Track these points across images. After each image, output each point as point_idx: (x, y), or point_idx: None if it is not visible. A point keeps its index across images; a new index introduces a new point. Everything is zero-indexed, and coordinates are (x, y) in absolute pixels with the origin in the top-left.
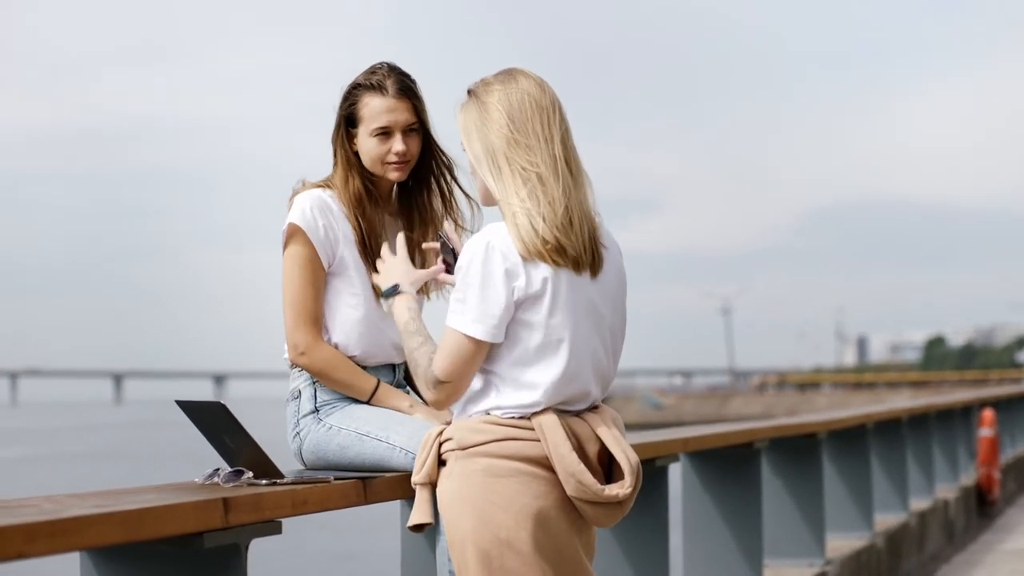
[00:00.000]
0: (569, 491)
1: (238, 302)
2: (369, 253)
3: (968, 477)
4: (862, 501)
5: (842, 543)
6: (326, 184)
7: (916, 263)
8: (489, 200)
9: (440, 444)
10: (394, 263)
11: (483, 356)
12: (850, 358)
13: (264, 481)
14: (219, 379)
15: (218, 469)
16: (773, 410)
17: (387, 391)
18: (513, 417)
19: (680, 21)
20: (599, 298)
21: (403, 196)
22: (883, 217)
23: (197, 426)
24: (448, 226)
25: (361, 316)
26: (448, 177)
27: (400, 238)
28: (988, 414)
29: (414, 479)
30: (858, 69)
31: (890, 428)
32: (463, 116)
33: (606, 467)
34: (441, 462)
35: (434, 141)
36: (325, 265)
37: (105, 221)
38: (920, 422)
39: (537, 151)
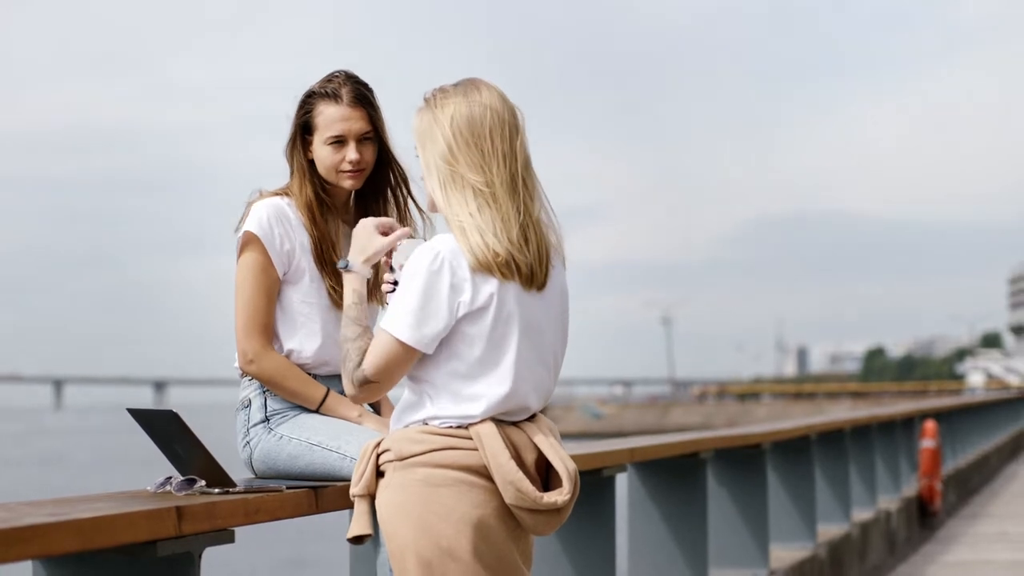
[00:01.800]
0: (508, 499)
1: (181, 309)
2: (323, 261)
3: (910, 488)
4: (805, 511)
5: (785, 553)
6: (284, 192)
7: (857, 274)
8: (435, 208)
9: (378, 455)
10: (363, 237)
11: (412, 363)
12: (790, 368)
13: (217, 490)
14: (159, 385)
15: (170, 477)
16: (713, 420)
17: (336, 400)
18: (451, 427)
19: (629, 31)
20: (542, 314)
21: (359, 205)
22: (824, 229)
23: (149, 434)
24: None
25: (315, 325)
26: (403, 189)
27: (369, 221)
28: (930, 425)
29: (353, 491)
30: (804, 82)
31: (833, 439)
32: (417, 123)
33: (544, 475)
34: (380, 473)
35: (389, 151)
36: (280, 274)
37: (48, 228)
38: (862, 433)
39: (493, 167)
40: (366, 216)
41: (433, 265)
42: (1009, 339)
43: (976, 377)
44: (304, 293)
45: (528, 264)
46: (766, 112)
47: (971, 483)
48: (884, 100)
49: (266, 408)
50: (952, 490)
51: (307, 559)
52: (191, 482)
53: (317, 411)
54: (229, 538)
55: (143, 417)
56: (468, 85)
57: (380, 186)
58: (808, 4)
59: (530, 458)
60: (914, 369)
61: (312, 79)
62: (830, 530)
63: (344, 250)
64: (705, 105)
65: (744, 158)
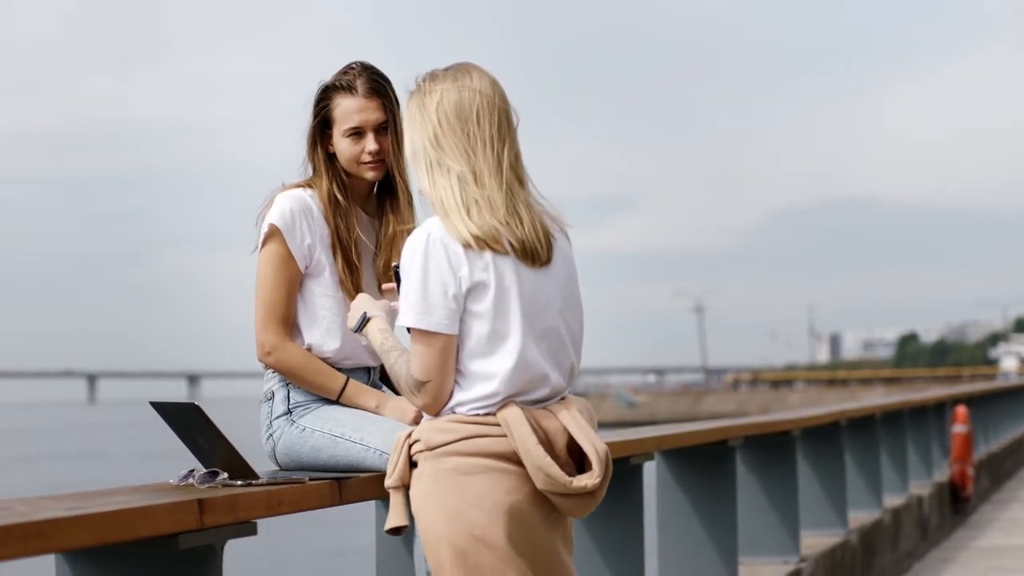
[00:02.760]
0: (538, 484)
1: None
2: (344, 254)
3: (942, 474)
4: (836, 498)
5: (817, 540)
6: (308, 184)
7: (889, 260)
8: (420, 189)
9: (410, 446)
10: (357, 301)
11: (451, 348)
12: (823, 355)
13: (239, 482)
14: (193, 379)
15: (193, 470)
16: (746, 407)
17: (356, 389)
18: (478, 414)
19: (658, 22)
20: (550, 286)
21: (380, 195)
22: (856, 215)
23: (172, 427)
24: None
25: (335, 318)
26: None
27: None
28: (962, 411)
29: (387, 483)
30: (832, 69)
31: (864, 425)
32: (411, 101)
33: (576, 458)
34: (412, 464)
35: (399, 140)
36: (301, 267)
37: (80, 223)
38: (894, 419)
39: (479, 150)
40: (386, 206)
41: (426, 247)
42: None
43: (1009, 362)
44: (325, 287)
45: (523, 240)
46: (795, 101)
47: (1004, 468)
48: (914, 85)
49: (289, 400)
50: (985, 475)
51: (331, 551)
52: (214, 475)
53: (337, 401)
54: (251, 530)
55: (165, 410)
56: (459, 69)
57: (401, 175)
58: None
59: (560, 442)
60: (947, 354)
61: (332, 72)
62: (861, 516)
63: (364, 241)
64: (733, 95)
65: (773, 146)
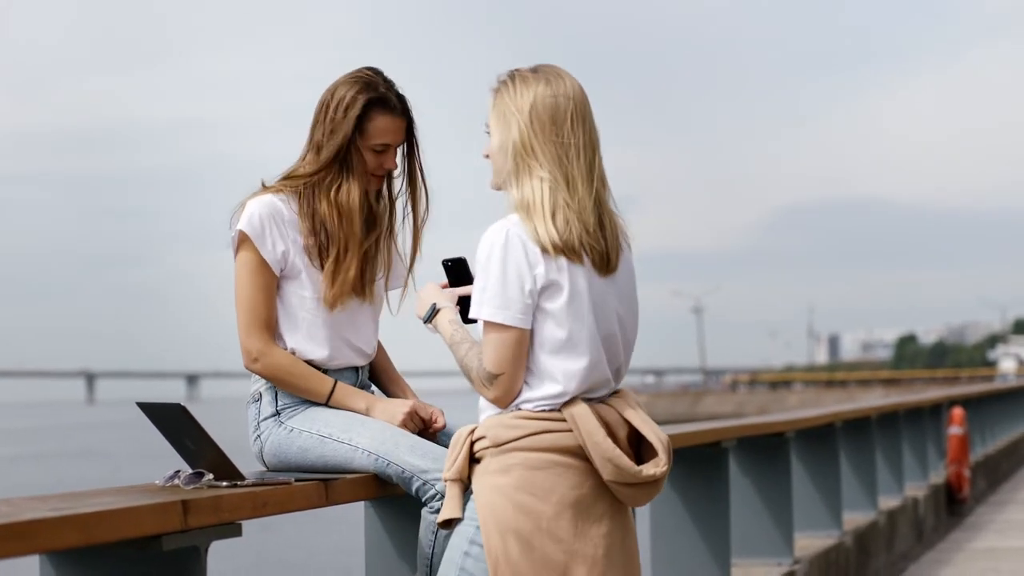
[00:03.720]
0: (606, 476)
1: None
2: (321, 258)
3: (938, 475)
4: (831, 500)
5: (811, 542)
6: (281, 187)
7: (888, 261)
8: (499, 187)
9: (472, 442)
10: (426, 291)
11: (524, 342)
12: (822, 356)
13: (225, 483)
14: (192, 379)
15: (179, 471)
16: (745, 408)
17: (344, 392)
18: (544, 410)
19: (658, 22)
20: (615, 295)
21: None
22: (855, 216)
23: (158, 427)
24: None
25: (315, 320)
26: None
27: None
28: (958, 412)
29: (445, 475)
30: (833, 71)
31: (859, 427)
32: (501, 99)
33: (635, 447)
34: (473, 460)
35: (417, 155)
36: (276, 271)
37: (79, 223)
38: (889, 420)
39: (572, 155)
40: (375, 216)
41: (505, 242)
42: None
43: (1008, 363)
44: (303, 289)
45: (602, 250)
46: (795, 100)
47: (1000, 469)
48: (914, 86)
49: (277, 402)
50: (981, 477)
51: (319, 552)
52: (199, 475)
53: (326, 404)
54: (236, 531)
55: (151, 410)
56: (550, 72)
57: (410, 181)
58: None
59: (622, 433)
60: (946, 356)
61: (336, 75)
62: (857, 518)
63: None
64: (734, 94)
65: (773, 147)
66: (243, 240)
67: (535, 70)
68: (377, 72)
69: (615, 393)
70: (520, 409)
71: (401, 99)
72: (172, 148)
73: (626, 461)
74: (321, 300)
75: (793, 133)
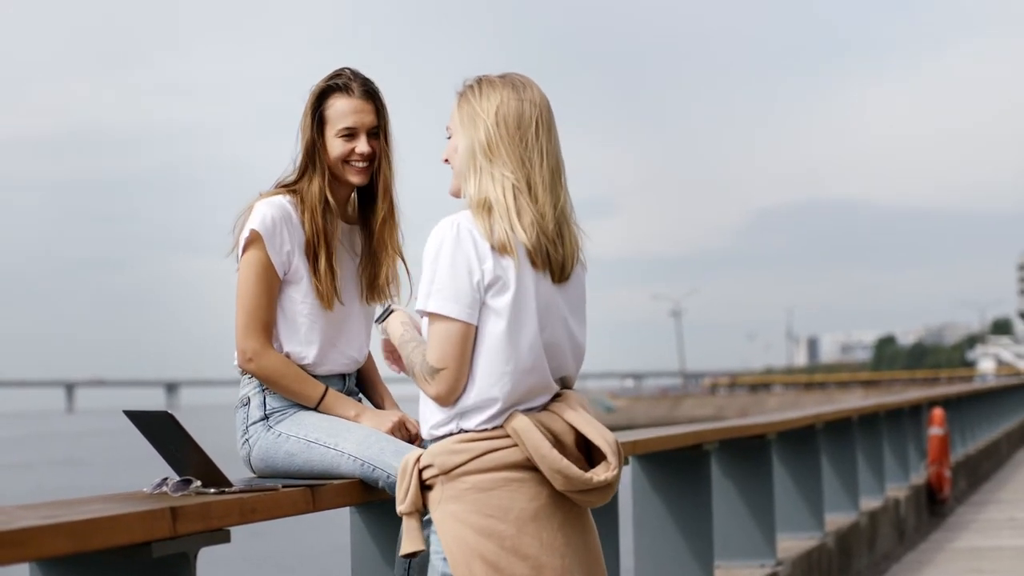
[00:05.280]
0: (557, 486)
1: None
2: (327, 258)
3: (918, 476)
4: (812, 501)
5: (793, 543)
6: (289, 190)
7: (866, 263)
8: (458, 194)
9: (419, 471)
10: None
11: (470, 338)
12: (801, 358)
13: (212, 490)
14: (171, 387)
15: (166, 478)
16: (725, 411)
17: (335, 398)
18: (486, 429)
19: (636, 23)
20: (564, 302)
21: (362, 203)
22: (833, 217)
23: (145, 435)
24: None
25: (312, 325)
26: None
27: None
28: (938, 413)
29: (400, 508)
30: (810, 72)
31: (840, 428)
32: (465, 104)
33: (584, 451)
34: (424, 487)
35: (389, 148)
36: (280, 274)
37: (56, 231)
38: (870, 422)
39: (536, 161)
40: (369, 216)
41: (456, 235)
42: (1020, 325)
43: (987, 364)
44: (303, 294)
45: (558, 258)
46: (772, 101)
47: (981, 470)
48: (892, 87)
49: (265, 406)
50: (962, 477)
51: (306, 558)
52: (187, 482)
53: (316, 409)
54: (224, 538)
55: (138, 419)
56: (516, 80)
57: (384, 183)
58: None
59: (569, 439)
60: (925, 357)
61: (316, 77)
62: (838, 519)
63: (343, 250)
64: (711, 95)
65: (751, 148)
66: (254, 240)
67: (502, 76)
68: (347, 68)
69: (557, 396)
70: (463, 432)
71: (366, 83)
72: (149, 152)
73: (575, 471)
74: (317, 304)
75: (770, 134)
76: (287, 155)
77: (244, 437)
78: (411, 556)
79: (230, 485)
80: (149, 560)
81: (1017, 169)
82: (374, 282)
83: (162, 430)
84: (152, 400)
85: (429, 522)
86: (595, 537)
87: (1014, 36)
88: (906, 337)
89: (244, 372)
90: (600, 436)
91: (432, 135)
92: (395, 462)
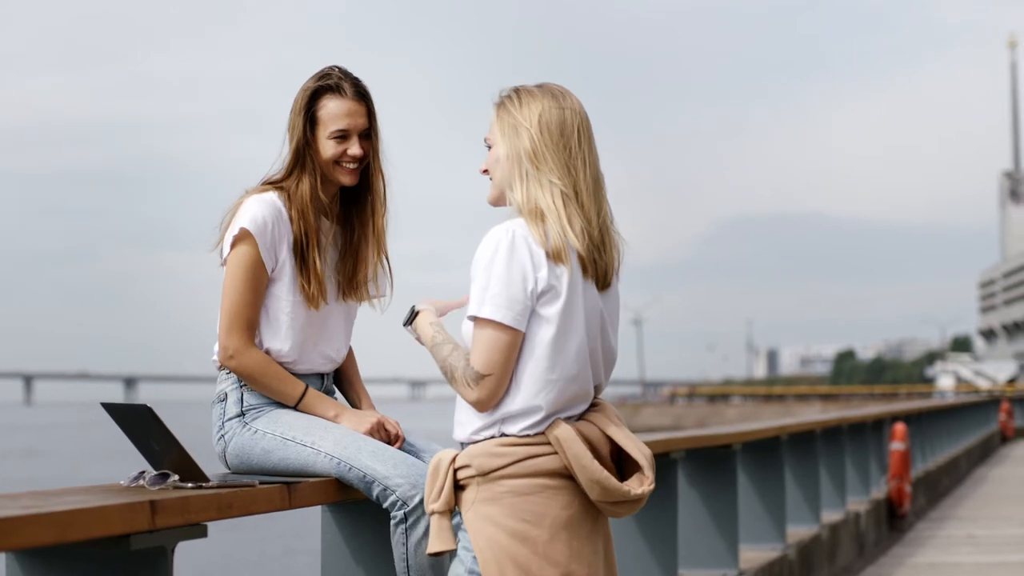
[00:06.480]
0: (594, 497)
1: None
2: (313, 256)
3: (879, 490)
4: (775, 513)
5: (755, 554)
6: (276, 187)
7: (827, 276)
8: (501, 201)
9: (455, 471)
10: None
11: (516, 346)
12: (760, 370)
13: (190, 484)
14: (129, 381)
15: (144, 471)
16: (683, 421)
17: (315, 397)
18: (528, 435)
19: (603, 33)
20: (605, 311)
21: (345, 203)
22: (796, 231)
23: (123, 429)
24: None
25: (294, 323)
26: (383, 188)
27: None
28: (900, 428)
29: (432, 507)
30: (778, 87)
31: (804, 441)
32: (504, 114)
33: (616, 461)
34: (457, 486)
35: (378, 149)
36: (268, 271)
37: (18, 223)
38: (833, 435)
39: (580, 169)
40: (352, 213)
41: (512, 242)
42: (979, 343)
43: (945, 380)
44: (287, 291)
45: (603, 267)
46: (739, 114)
47: (940, 486)
48: (858, 104)
49: (242, 403)
50: (921, 492)
51: (279, 554)
52: (164, 476)
53: (296, 408)
54: (202, 533)
55: (117, 412)
56: (554, 89)
57: (371, 184)
58: (787, 3)
59: (605, 451)
60: (884, 372)
61: (292, 74)
62: (800, 531)
63: (329, 249)
64: (677, 107)
65: (717, 160)
66: (243, 237)
67: (539, 86)
68: (335, 67)
69: (594, 407)
70: (504, 436)
71: (356, 84)
72: (112, 147)
73: (614, 483)
74: (300, 303)
75: (736, 146)
76: (257, 152)
77: (220, 433)
78: (437, 555)
79: (207, 480)
80: (127, 553)
81: (980, 188)
82: (352, 279)
83: (141, 424)
84: (110, 394)
85: (405, 519)
86: (612, 547)
87: (980, 58)
88: (866, 352)
89: (224, 368)
90: (638, 450)
91: (401, 129)
92: (371, 462)
